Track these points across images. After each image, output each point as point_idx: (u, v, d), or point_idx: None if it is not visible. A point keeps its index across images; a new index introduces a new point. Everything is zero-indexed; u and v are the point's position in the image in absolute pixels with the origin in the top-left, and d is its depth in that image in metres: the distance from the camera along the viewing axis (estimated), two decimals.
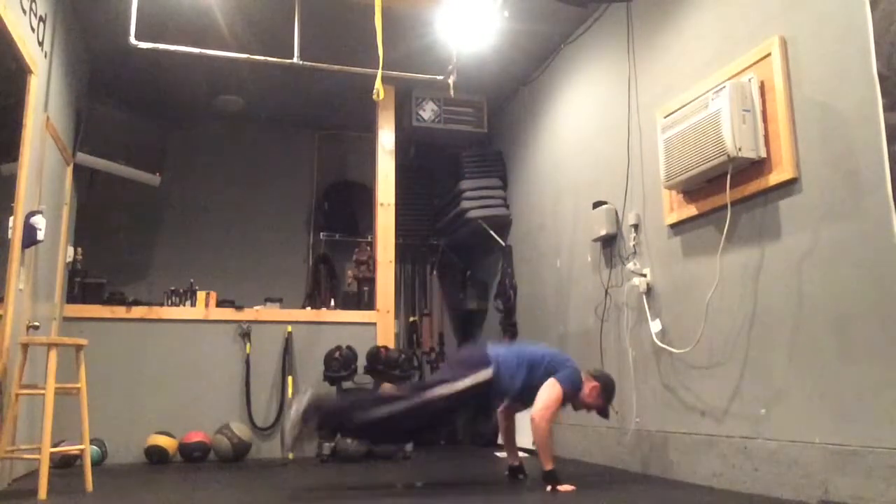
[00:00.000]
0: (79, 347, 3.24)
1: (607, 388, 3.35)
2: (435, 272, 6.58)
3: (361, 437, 3.42)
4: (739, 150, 2.86)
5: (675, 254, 3.51)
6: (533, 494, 3.05)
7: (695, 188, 3.29)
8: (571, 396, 3.27)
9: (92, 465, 3.28)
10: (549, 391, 3.19)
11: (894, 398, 2.30)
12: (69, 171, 4.53)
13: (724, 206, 3.06)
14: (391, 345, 4.99)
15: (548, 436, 3.20)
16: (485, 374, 3.22)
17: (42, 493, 2.89)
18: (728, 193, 3.00)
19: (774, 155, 2.86)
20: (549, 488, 3.09)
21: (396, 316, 5.56)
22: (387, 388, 3.40)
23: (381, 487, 3.33)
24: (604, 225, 4.03)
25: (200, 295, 4.90)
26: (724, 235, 3.10)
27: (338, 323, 5.07)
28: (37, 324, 3.61)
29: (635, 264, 3.78)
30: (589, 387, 3.31)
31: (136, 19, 3.86)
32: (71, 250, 4.67)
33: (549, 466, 3.16)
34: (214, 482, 3.55)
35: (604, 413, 3.38)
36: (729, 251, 3.11)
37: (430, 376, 3.20)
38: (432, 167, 6.42)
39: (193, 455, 4.49)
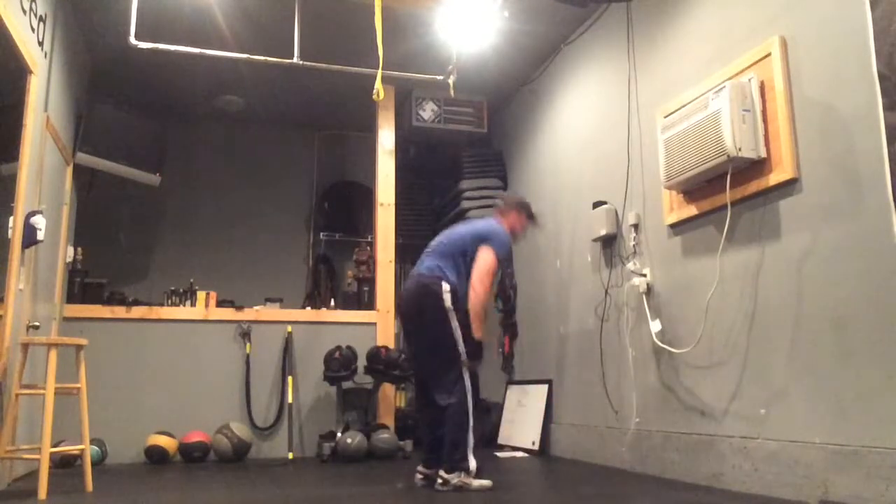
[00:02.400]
0: (79, 347, 3.24)
1: (522, 206, 3.57)
2: None
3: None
4: (739, 150, 2.86)
5: (675, 254, 3.51)
6: (533, 494, 3.04)
7: (695, 188, 3.29)
8: (505, 254, 3.39)
9: (92, 465, 3.28)
10: (484, 258, 3.28)
11: (894, 398, 2.30)
12: (69, 171, 4.53)
13: (724, 206, 3.06)
14: (391, 345, 4.99)
15: (484, 302, 3.25)
16: (447, 298, 3.22)
17: (42, 493, 2.89)
18: (728, 193, 3.00)
19: (774, 155, 2.86)
20: (463, 360, 3.18)
21: (396, 316, 5.55)
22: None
23: (381, 487, 3.33)
24: (604, 225, 4.04)
25: (200, 295, 4.90)
26: (724, 235, 3.10)
27: (338, 323, 5.07)
28: (37, 324, 3.61)
29: (635, 264, 3.78)
30: (510, 221, 3.51)
31: (136, 19, 3.86)
32: (71, 250, 4.66)
33: (478, 335, 3.23)
34: (214, 482, 3.55)
35: (534, 220, 3.67)
36: (729, 251, 3.11)
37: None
38: (432, 167, 6.42)
39: (193, 455, 4.49)
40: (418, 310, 3.31)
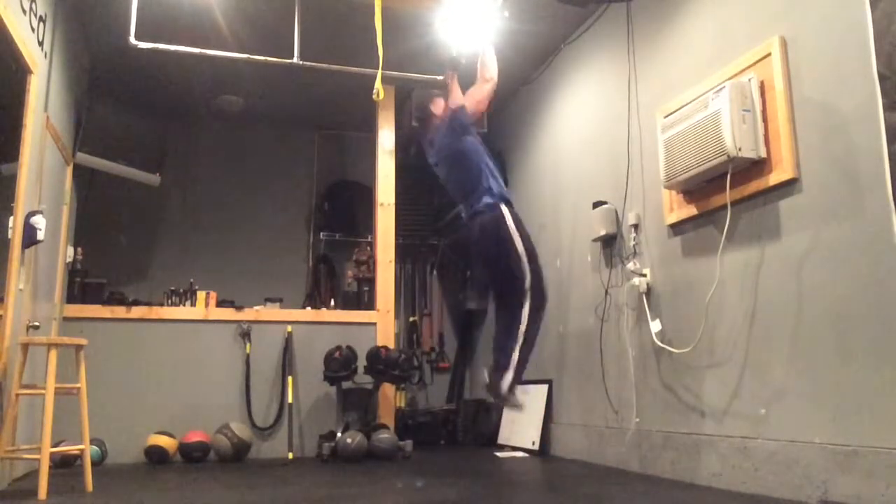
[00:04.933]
0: (79, 347, 3.24)
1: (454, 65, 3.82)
2: (435, 272, 6.58)
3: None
4: (739, 150, 2.86)
5: (675, 254, 3.51)
6: (533, 494, 3.05)
7: (695, 188, 3.29)
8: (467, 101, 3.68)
9: (92, 465, 3.28)
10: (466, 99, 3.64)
11: (894, 398, 2.30)
12: (69, 171, 4.53)
13: (724, 206, 3.06)
14: (391, 345, 4.99)
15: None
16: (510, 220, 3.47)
17: (42, 493, 2.89)
18: (728, 193, 3.00)
19: (774, 155, 2.86)
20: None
21: (396, 316, 5.55)
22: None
23: (381, 487, 3.33)
24: (604, 225, 4.03)
25: (200, 295, 4.90)
26: (724, 235, 3.10)
27: (338, 323, 5.07)
28: (37, 324, 3.61)
29: (635, 264, 3.78)
30: (443, 108, 3.79)
31: (136, 19, 3.86)
32: (71, 250, 4.67)
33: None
34: (214, 482, 3.55)
35: (454, 66, 3.91)
36: (729, 251, 3.11)
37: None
38: (432, 167, 6.41)
39: (193, 455, 4.49)
40: (488, 245, 3.50)
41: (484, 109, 3.80)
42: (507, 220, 3.45)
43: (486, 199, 3.50)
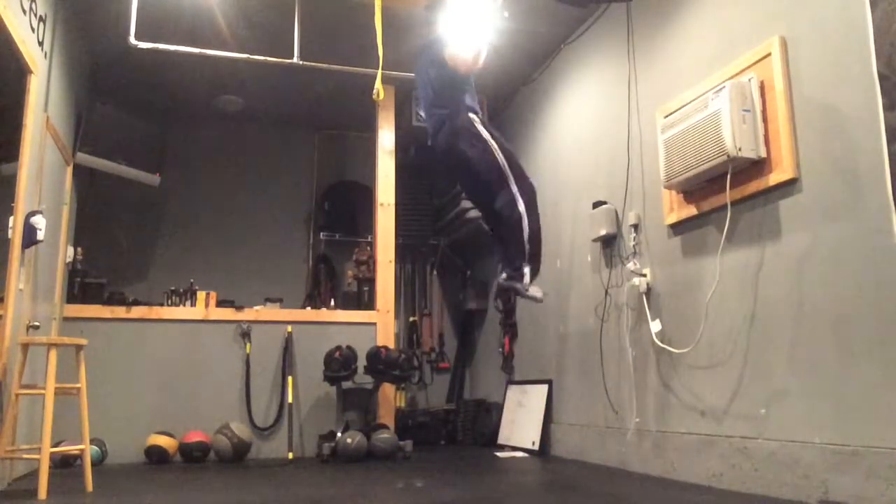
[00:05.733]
0: (79, 347, 3.24)
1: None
2: (435, 272, 6.58)
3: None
4: (739, 150, 2.86)
5: (675, 254, 3.51)
6: (534, 494, 3.05)
7: (695, 188, 3.29)
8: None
9: (92, 465, 3.28)
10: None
11: (894, 398, 2.30)
12: (69, 171, 4.53)
13: (724, 206, 3.06)
14: (391, 345, 4.99)
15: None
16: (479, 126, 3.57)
17: (42, 493, 2.89)
18: (728, 193, 3.00)
19: (774, 155, 2.86)
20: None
21: (396, 316, 5.56)
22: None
23: (381, 487, 3.33)
24: (604, 225, 4.04)
25: (200, 295, 4.90)
26: (724, 235, 3.10)
27: (338, 323, 5.07)
28: (37, 324, 3.61)
29: (635, 264, 3.78)
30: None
31: (136, 19, 3.87)
32: (71, 250, 4.67)
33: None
34: (214, 482, 3.55)
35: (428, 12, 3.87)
36: (729, 251, 3.11)
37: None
38: (432, 167, 6.42)
39: (193, 455, 4.49)
40: (457, 153, 3.58)
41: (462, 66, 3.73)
42: (474, 121, 3.55)
43: (458, 110, 3.59)
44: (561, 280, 4.69)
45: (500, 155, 3.50)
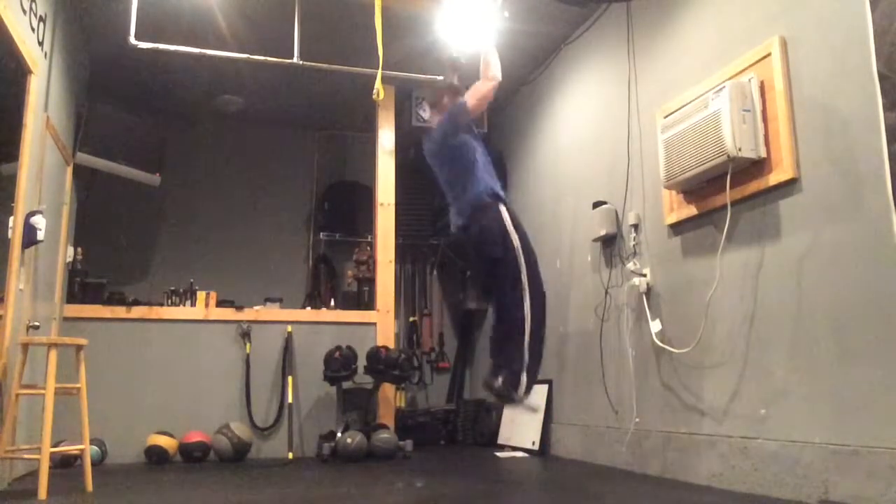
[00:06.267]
0: (79, 347, 3.24)
1: (443, 90, 3.76)
2: (435, 272, 6.57)
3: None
4: (739, 150, 2.86)
5: (675, 254, 3.51)
6: (534, 495, 3.05)
7: (695, 188, 3.29)
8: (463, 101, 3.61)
9: (92, 465, 3.28)
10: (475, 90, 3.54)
11: (894, 398, 2.30)
12: (69, 171, 4.53)
13: (724, 206, 3.06)
14: (391, 345, 4.99)
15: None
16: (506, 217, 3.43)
17: (42, 493, 2.89)
18: (728, 193, 3.00)
19: (774, 155, 2.86)
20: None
21: (396, 316, 5.55)
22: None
23: (381, 487, 3.33)
24: (604, 225, 4.04)
25: (200, 295, 4.90)
26: (724, 235, 3.10)
27: (338, 323, 5.07)
28: (37, 324, 3.61)
29: (635, 264, 3.78)
30: (445, 107, 3.72)
31: (136, 19, 3.86)
32: (71, 250, 4.66)
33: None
34: (214, 482, 3.55)
35: (454, 67, 3.81)
36: (729, 251, 3.11)
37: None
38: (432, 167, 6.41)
39: (193, 455, 4.49)
40: (481, 251, 3.46)
41: (484, 108, 3.76)
42: (504, 218, 3.42)
43: (483, 200, 3.45)
44: (561, 280, 4.69)
45: (522, 258, 3.36)
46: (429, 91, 3.86)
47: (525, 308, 3.29)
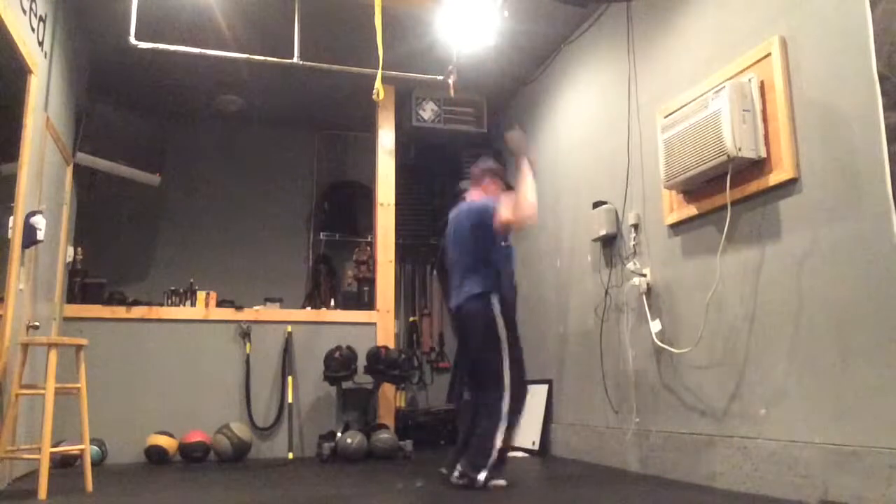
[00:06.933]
0: (79, 347, 3.24)
1: (493, 172, 3.60)
2: (435, 272, 6.57)
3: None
4: (739, 150, 2.86)
5: (675, 254, 3.51)
6: (534, 494, 3.05)
7: (695, 188, 3.29)
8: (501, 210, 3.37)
9: (92, 465, 3.28)
10: (505, 207, 3.28)
11: (894, 398, 2.30)
12: (69, 171, 4.53)
13: (724, 206, 3.06)
14: (391, 345, 4.99)
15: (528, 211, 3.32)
16: (496, 307, 3.29)
17: (42, 493, 2.89)
18: (728, 193, 3.00)
19: (774, 155, 2.86)
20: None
21: (396, 316, 5.55)
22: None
23: (381, 487, 3.33)
24: (604, 225, 4.04)
25: (200, 295, 4.90)
26: (724, 235, 3.10)
27: (338, 323, 5.07)
28: (37, 324, 3.61)
29: (635, 264, 3.78)
30: (489, 191, 3.53)
31: (136, 19, 3.86)
32: (71, 250, 4.66)
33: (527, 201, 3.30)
34: (214, 482, 3.55)
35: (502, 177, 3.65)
36: (729, 251, 3.11)
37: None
38: (432, 167, 6.42)
39: (193, 455, 4.49)
40: (470, 329, 3.37)
41: (510, 231, 3.45)
42: (493, 307, 3.28)
43: (474, 291, 3.32)
44: (561, 280, 4.69)
45: (506, 353, 3.23)
46: (475, 167, 3.65)
47: (503, 404, 3.16)
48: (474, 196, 3.56)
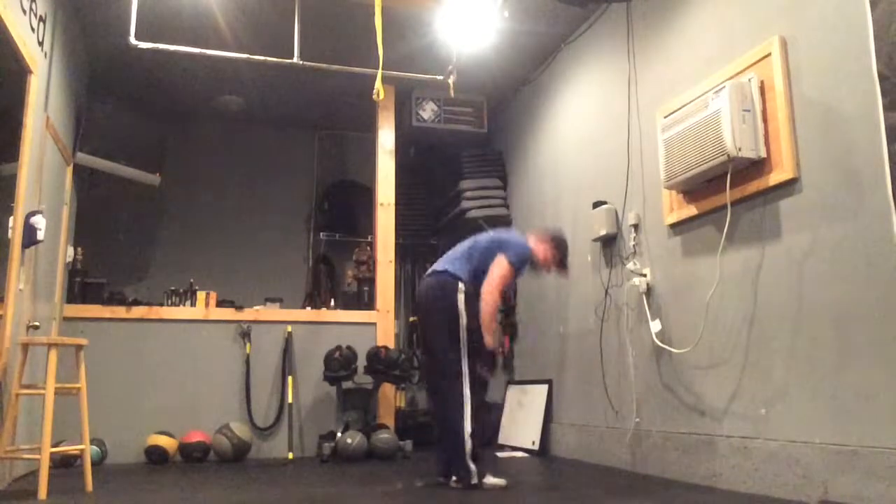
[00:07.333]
0: (79, 347, 3.24)
1: (557, 242, 3.50)
2: None
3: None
4: (739, 150, 2.86)
5: (675, 254, 3.51)
6: (533, 495, 3.05)
7: (695, 188, 3.29)
8: (521, 267, 3.38)
9: (92, 465, 3.28)
10: (498, 268, 3.27)
11: (894, 398, 2.30)
12: (69, 171, 4.53)
13: (724, 206, 3.06)
14: (391, 345, 4.99)
15: (494, 310, 3.27)
16: (461, 298, 3.26)
17: (42, 493, 2.89)
18: (728, 193, 3.00)
19: (774, 155, 2.86)
20: (482, 369, 3.24)
21: (396, 316, 5.56)
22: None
23: (381, 487, 3.33)
24: (604, 225, 4.04)
25: (200, 295, 4.90)
26: (724, 235, 3.10)
27: (338, 323, 5.07)
28: (37, 324, 3.61)
29: (635, 264, 3.78)
30: (541, 249, 3.46)
31: (136, 19, 3.86)
32: (71, 250, 4.67)
33: (489, 343, 3.25)
34: (214, 482, 3.55)
35: (563, 266, 3.55)
36: (729, 251, 3.11)
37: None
38: (432, 167, 6.42)
39: (193, 455, 4.49)
40: (432, 308, 3.34)
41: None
42: (458, 293, 3.26)
43: (452, 271, 3.32)
44: (561, 280, 4.69)
45: (464, 348, 3.20)
46: (553, 236, 3.56)
47: (465, 389, 3.15)
48: (530, 240, 3.50)
